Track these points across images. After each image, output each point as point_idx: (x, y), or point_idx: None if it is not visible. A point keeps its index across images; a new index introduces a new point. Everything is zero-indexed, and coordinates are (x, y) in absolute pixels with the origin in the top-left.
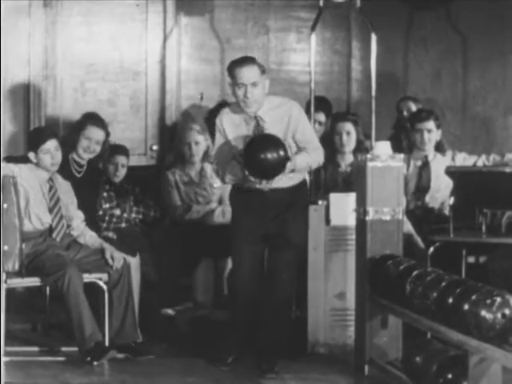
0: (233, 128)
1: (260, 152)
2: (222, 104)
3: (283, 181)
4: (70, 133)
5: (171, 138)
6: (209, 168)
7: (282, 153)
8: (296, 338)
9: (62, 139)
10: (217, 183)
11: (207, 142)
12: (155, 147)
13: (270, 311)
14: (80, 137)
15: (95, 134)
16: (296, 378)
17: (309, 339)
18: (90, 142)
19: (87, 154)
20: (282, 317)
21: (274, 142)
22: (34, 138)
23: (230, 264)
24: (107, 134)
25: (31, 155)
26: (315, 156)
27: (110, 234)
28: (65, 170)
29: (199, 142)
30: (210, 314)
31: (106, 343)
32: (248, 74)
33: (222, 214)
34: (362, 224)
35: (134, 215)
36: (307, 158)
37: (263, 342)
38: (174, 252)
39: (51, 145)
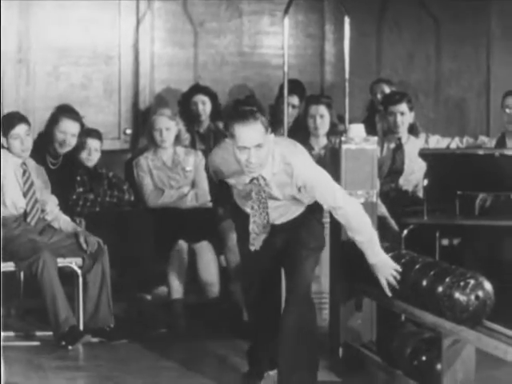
0: (231, 173)
1: None
2: (195, 87)
3: (285, 217)
4: (45, 126)
5: (144, 122)
6: (181, 152)
7: None
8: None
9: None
10: (189, 167)
11: (178, 126)
12: (128, 131)
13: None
14: (54, 131)
15: (70, 127)
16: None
17: None
18: (66, 136)
19: (63, 148)
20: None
21: None
22: (4, 124)
23: (205, 247)
24: (82, 126)
25: (3, 140)
26: (363, 224)
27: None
28: (40, 160)
29: (170, 127)
30: (184, 297)
31: (81, 327)
32: (251, 135)
33: (195, 197)
34: None
35: (107, 199)
36: (373, 245)
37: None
38: (148, 236)
39: (21, 130)
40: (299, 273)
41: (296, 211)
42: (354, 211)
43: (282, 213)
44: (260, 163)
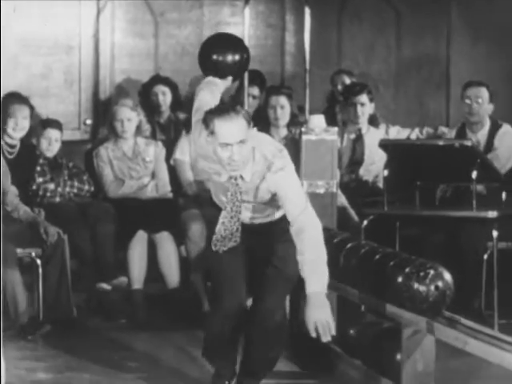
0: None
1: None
2: (156, 78)
3: (259, 218)
4: None
5: (105, 112)
6: (142, 143)
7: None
8: None
9: None
10: (149, 157)
11: (139, 117)
12: (89, 121)
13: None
14: (5, 118)
15: (19, 110)
16: None
17: None
18: (17, 119)
19: (17, 132)
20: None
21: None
22: None
23: (165, 238)
24: (31, 108)
25: None
26: (318, 254)
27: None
28: None
29: (131, 118)
30: (144, 288)
31: (40, 318)
32: (233, 130)
33: (155, 188)
34: None
35: (68, 189)
36: (317, 268)
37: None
38: (109, 226)
39: None
40: (271, 301)
41: (271, 214)
42: (311, 235)
43: (256, 211)
44: (243, 160)
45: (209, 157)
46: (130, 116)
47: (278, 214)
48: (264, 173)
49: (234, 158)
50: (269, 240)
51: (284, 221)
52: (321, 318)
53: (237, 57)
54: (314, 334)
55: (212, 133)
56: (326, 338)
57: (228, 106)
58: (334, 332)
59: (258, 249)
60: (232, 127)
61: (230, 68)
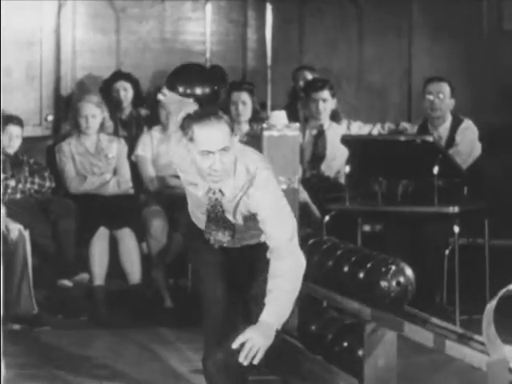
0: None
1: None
2: (117, 74)
3: (242, 240)
4: None
5: (66, 108)
6: (105, 139)
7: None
8: (192, 307)
9: None
10: (112, 154)
11: (103, 114)
12: (50, 118)
13: None
14: None
15: None
16: (192, 348)
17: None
18: None
19: None
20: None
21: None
22: None
23: (127, 234)
24: None
25: None
26: (289, 282)
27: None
28: None
29: (96, 115)
30: (106, 284)
31: (1, 315)
32: (216, 137)
33: (117, 184)
34: None
35: (28, 186)
36: (284, 302)
37: None
38: (70, 223)
39: None
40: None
41: (257, 235)
42: (290, 266)
43: (238, 232)
44: (226, 170)
45: (186, 168)
46: (94, 112)
47: (260, 237)
48: (246, 188)
49: (216, 167)
50: (249, 268)
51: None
52: (257, 344)
53: (206, 89)
54: (237, 347)
55: (191, 140)
56: (245, 361)
57: (209, 110)
58: (256, 362)
59: (238, 274)
60: (213, 133)
61: (200, 100)
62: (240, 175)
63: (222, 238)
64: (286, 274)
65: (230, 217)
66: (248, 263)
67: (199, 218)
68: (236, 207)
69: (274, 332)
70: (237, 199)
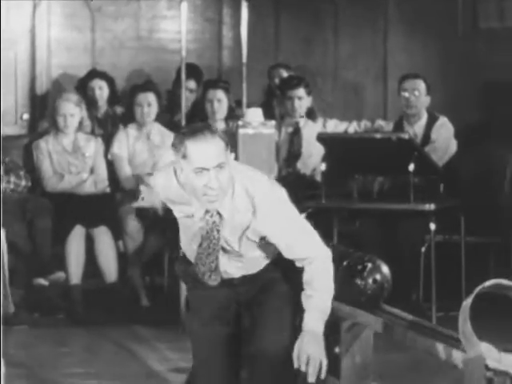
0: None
1: None
2: (92, 72)
3: (242, 270)
4: None
5: (42, 106)
6: (82, 138)
7: None
8: (168, 305)
9: None
10: (89, 153)
11: (82, 112)
12: (26, 116)
13: None
14: None
15: None
16: (169, 346)
17: (181, 307)
18: None
19: None
20: None
21: None
22: None
23: (103, 232)
24: None
25: None
26: (325, 289)
27: None
28: None
29: (74, 114)
30: (82, 283)
31: None
32: (210, 152)
33: (94, 184)
34: None
35: (4, 185)
36: (323, 305)
37: None
38: (46, 222)
39: None
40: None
41: (257, 265)
42: (322, 266)
43: (239, 266)
44: (222, 189)
45: (174, 198)
46: (73, 111)
47: (264, 263)
48: (247, 210)
49: (212, 185)
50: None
51: (275, 270)
52: (315, 355)
53: None
54: (304, 369)
55: (184, 157)
56: (312, 379)
57: (202, 125)
58: (323, 375)
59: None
60: (208, 149)
61: None
62: (238, 196)
63: (209, 268)
64: (321, 278)
65: (234, 245)
66: (258, 301)
67: (194, 250)
68: (241, 236)
69: (322, 336)
70: (242, 227)
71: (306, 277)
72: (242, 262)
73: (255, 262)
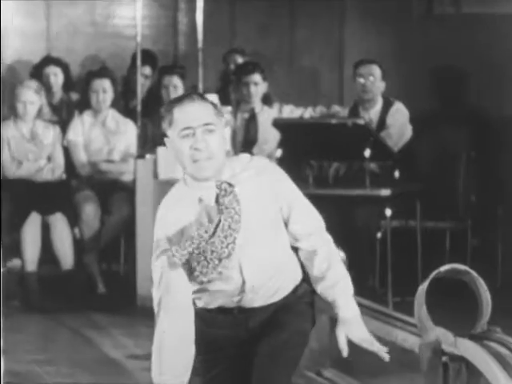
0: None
1: None
2: (47, 59)
3: (268, 293)
4: None
5: None
6: (41, 125)
7: None
8: (125, 292)
9: None
10: (47, 140)
11: (41, 100)
12: None
13: None
14: None
15: None
16: (125, 333)
17: (138, 293)
18: None
19: None
20: None
21: None
22: None
23: (59, 219)
24: None
25: None
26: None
27: None
28: None
29: (34, 101)
30: (38, 270)
31: None
32: (197, 113)
33: (51, 171)
34: None
35: None
36: (346, 287)
37: None
38: (2, 208)
39: None
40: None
41: (275, 293)
42: (333, 250)
43: (266, 282)
44: (212, 153)
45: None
46: (32, 99)
47: (288, 287)
48: (261, 180)
49: (198, 145)
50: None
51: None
52: (367, 337)
53: None
54: (374, 348)
55: (170, 124)
56: (385, 354)
57: (193, 91)
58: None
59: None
60: (195, 109)
61: None
62: (242, 163)
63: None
64: (331, 266)
65: (252, 218)
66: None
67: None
68: (261, 206)
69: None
70: (255, 194)
71: (315, 273)
72: (267, 263)
73: (274, 280)
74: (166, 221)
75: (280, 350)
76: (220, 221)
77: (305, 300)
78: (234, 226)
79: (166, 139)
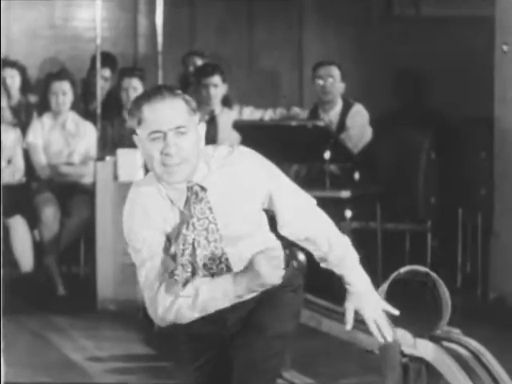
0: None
1: None
2: (3, 62)
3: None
4: None
5: None
6: (1, 128)
7: None
8: (85, 294)
9: None
10: (7, 143)
11: (2, 102)
12: None
13: None
14: None
15: None
16: (85, 335)
17: (98, 295)
18: None
19: None
20: None
21: None
22: None
23: (18, 222)
24: None
25: None
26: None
27: None
28: None
29: None
30: None
31: None
32: (168, 114)
33: (12, 174)
34: None
35: None
36: (352, 258)
37: None
38: None
39: None
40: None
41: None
42: (322, 220)
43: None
44: (183, 158)
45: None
46: None
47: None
48: (235, 175)
49: (168, 150)
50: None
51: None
52: (379, 316)
53: None
54: (376, 333)
55: (139, 123)
56: (390, 337)
57: (163, 85)
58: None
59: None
60: (165, 108)
61: None
62: (215, 162)
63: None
64: (335, 233)
65: (234, 220)
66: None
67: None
68: (239, 204)
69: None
70: (232, 192)
71: (316, 253)
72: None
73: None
74: (147, 215)
75: (261, 362)
76: (195, 228)
77: (289, 288)
78: (212, 238)
79: (134, 136)
